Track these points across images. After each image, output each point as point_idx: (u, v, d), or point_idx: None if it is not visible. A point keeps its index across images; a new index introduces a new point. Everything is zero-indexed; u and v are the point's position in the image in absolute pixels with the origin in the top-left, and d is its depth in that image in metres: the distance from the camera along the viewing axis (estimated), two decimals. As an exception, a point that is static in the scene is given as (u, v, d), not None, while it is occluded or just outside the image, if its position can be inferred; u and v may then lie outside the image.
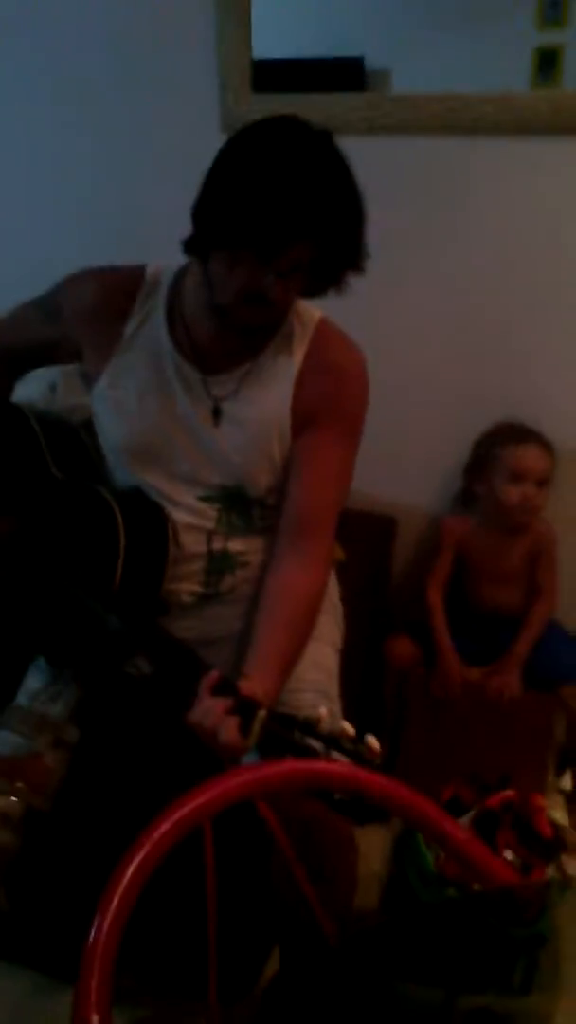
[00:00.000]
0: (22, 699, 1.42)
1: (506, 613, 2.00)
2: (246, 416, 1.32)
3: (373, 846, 1.49)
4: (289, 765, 0.93)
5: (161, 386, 1.33)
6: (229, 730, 1.08)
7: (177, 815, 0.81)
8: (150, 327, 1.34)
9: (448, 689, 1.93)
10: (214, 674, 1.15)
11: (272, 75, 1.94)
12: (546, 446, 1.89)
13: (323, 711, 1.02)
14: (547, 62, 1.80)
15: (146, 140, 2.05)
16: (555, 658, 1.94)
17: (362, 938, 0.85)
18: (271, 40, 1.92)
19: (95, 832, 1.25)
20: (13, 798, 1.29)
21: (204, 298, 1.26)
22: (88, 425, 1.48)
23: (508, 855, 1.35)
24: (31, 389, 1.76)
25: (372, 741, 0.98)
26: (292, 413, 1.32)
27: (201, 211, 1.20)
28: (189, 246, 1.24)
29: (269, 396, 1.32)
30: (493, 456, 1.91)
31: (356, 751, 0.97)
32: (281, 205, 1.12)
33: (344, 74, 1.92)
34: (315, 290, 1.27)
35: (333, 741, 0.99)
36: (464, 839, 0.92)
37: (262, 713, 1.06)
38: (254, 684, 1.16)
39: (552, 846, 1.38)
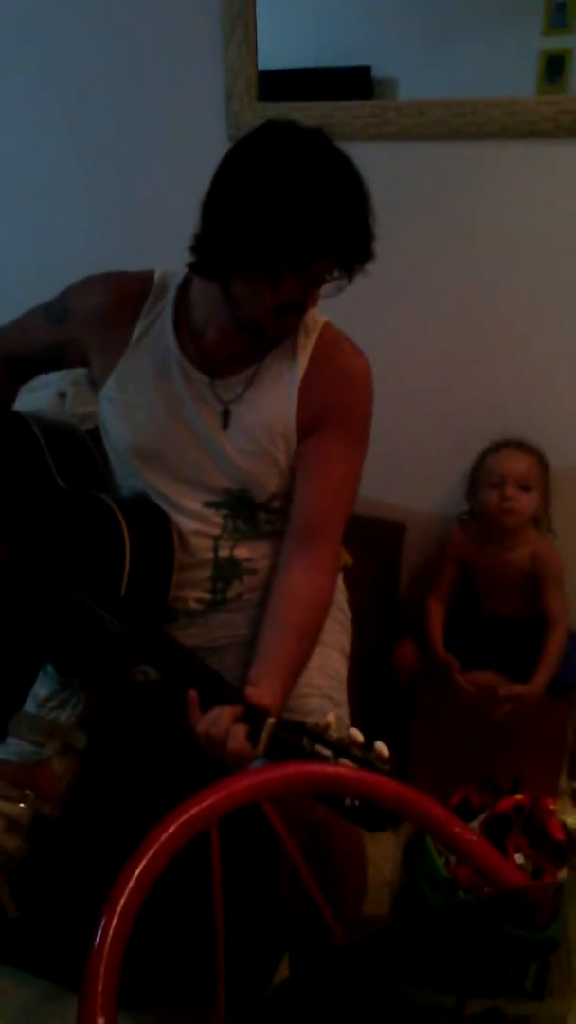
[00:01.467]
0: (31, 706, 1.43)
1: (508, 617, 2.00)
2: (251, 420, 1.32)
3: (383, 852, 1.49)
4: (296, 768, 0.93)
5: (167, 390, 1.33)
6: (237, 738, 1.07)
7: (184, 817, 0.81)
8: (157, 331, 1.34)
9: (448, 694, 1.94)
10: (219, 685, 1.15)
11: (280, 86, 1.95)
12: (529, 450, 1.91)
13: (331, 717, 1.02)
14: (554, 67, 1.81)
15: (152, 149, 2.07)
16: (568, 662, 1.93)
17: (371, 941, 0.84)
18: (279, 51, 1.94)
19: (104, 839, 1.24)
20: (22, 805, 1.29)
21: (225, 314, 1.25)
22: (96, 433, 1.48)
23: (519, 859, 1.34)
24: (40, 397, 1.77)
25: (381, 747, 0.97)
26: (297, 418, 1.32)
27: (217, 236, 1.18)
28: (204, 270, 1.24)
29: (274, 400, 1.32)
30: (480, 469, 1.95)
31: (365, 758, 0.96)
32: (310, 214, 1.12)
33: (352, 83, 1.93)
34: (334, 288, 1.27)
35: (342, 748, 0.98)
36: (473, 841, 0.92)
37: (271, 721, 1.06)
38: (262, 692, 1.16)
39: (564, 850, 1.37)
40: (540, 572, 1.94)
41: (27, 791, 1.31)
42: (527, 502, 1.88)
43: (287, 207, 1.12)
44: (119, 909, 0.73)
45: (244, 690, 1.16)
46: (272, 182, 1.12)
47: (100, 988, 0.69)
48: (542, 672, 1.89)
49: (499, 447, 1.93)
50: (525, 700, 1.87)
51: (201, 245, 1.21)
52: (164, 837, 0.79)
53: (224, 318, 1.27)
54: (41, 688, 1.43)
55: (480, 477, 1.95)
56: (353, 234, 1.17)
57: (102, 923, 0.72)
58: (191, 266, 1.25)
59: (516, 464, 1.88)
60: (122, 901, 0.73)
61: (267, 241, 1.13)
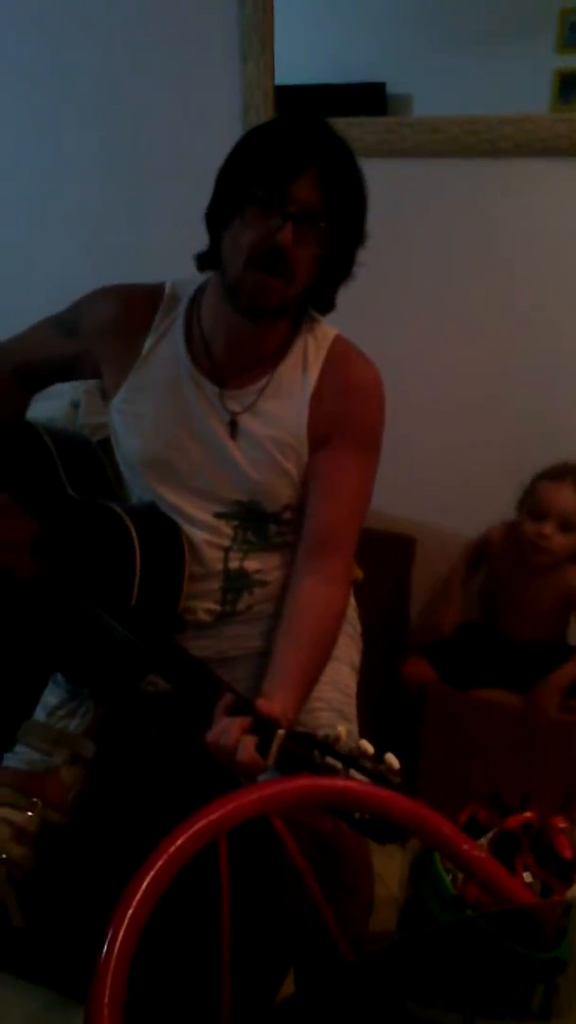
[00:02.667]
0: (40, 714, 1.43)
1: (531, 640, 1.99)
2: (263, 432, 1.32)
3: (390, 868, 1.48)
4: (306, 781, 0.93)
5: (178, 401, 1.34)
6: (247, 749, 1.07)
7: (193, 828, 0.81)
8: (168, 342, 1.35)
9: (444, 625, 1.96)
10: (229, 697, 1.15)
11: (295, 101, 1.96)
12: None
13: (341, 729, 1.01)
14: (568, 85, 1.81)
15: (168, 162, 2.08)
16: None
17: (377, 958, 0.84)
18: (295, 66, 1.94)
19: (111, 849, 1.24)
20: (29, 813, 1.29)
21: (221, 296, 1.27)
22: (108, 444, 1.49)
23: (527, 877, 1.33)
24: (53, 406, 1.77)
25: (392, 759, 0.96)
26: (309, 430, 1.33)
27: (212, 205, 1.26)
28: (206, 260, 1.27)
29: (285, 412, 1.33)
30: (533, 490, 1.90)
31: (376, 770, 0.96)
32: (285, 137, 1.20)
33: (366, 99, 1.94)
34: (327, 275, 1.28)
35: (352, 760, 0.98)
36: (481, 858, 0.91)
37: (280, 732, 1.06)
38: (273, 703, 1.16)
39: (573, 868, 1.36)
40: (572, 603, 1.92)
41: (35, 799, 1.31)
42: (563, 543, 1.84)
43: (264, 136, 1.22)
44: (126, 920, 0.73)
45: (255, 702, 1.16)
46: (259, 130, 1.24)
47: (106, 1000, 0.69)
48: (565, 672, 1.88)
49: (559, 475, 1.85)
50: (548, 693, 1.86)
51: (207, 221, 1.27)
52: (173, 849, 0.79)
53: (239, 333, 1.28)
54: (51, 696, 1.43)
55: (529, 499, 1.89)
56: (335, 174, 1.19)
57: (109, 934, 0.72)
58: (198, 257, 1.30)
59: (564, 501, 1.82)
60: (129, 912, 0.73)
61: (242, 169, 1.20)
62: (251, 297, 1.23)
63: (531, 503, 1.87)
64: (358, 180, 1.23)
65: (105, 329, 1.37)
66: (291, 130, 1.21)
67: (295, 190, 1.16)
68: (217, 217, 1.25)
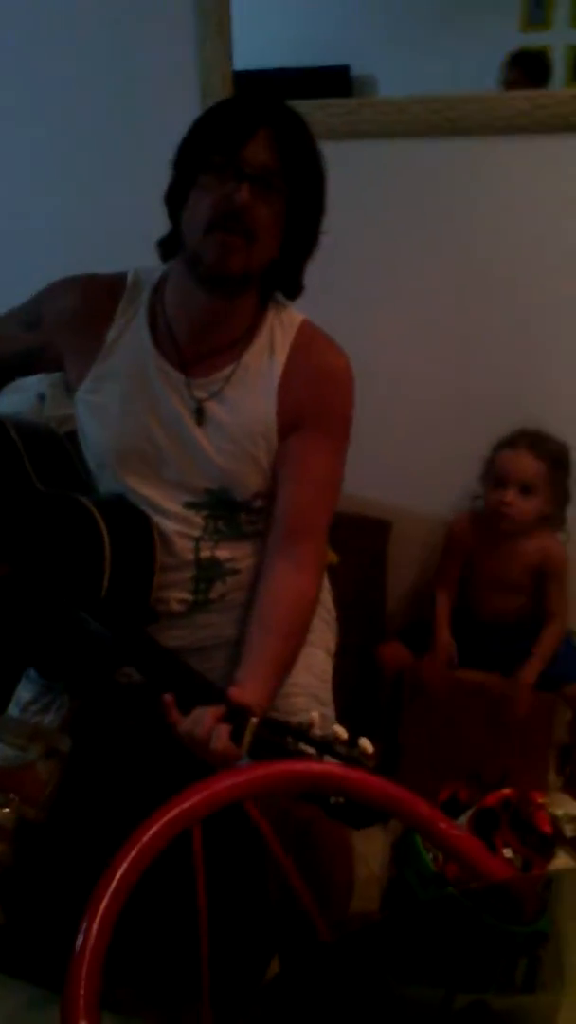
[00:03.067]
0: (14, 710, 1.42)
1: (506, 620, 2.00)
2: (230, 419, 1.32)
3: (372, 849, 1.49)
4: (279, 766, 0.93)
5: (145, 390, 1.33)
6: (220, 738, 1.07)
7: (166, 817, 0.81)
8: (132, 332, 1.33)
9: (430, 684, 1.94)
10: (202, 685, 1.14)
11: (254, 83, 1.94)
12: (542, 452, 1.86)
13: (315, 715, 1.01)
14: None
15: (127, 145, 2.06)
16: (556, 658, 1.93)
17: (359, 937, 0.84)
18: (260, 50, 1.93)
19: (89, 842, 1.23)
20: (6, 809, 1.28)
21: (184, 277, 1.27)
22: (75, 436, 1.47)
23: (507, 853, 1.34)
24: (19, 400, 1.76)
25: (366, 744, 0.96)
26: (278, 417, 1.32)
27: (171, 187, 1.26)
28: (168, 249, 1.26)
29: (253, 399, 1.32)
30: (490, 461, 1.92)
31: (349, 755, 0.96)
32: (236, 106, 1.24)
33: (331, 83, 1.94)
34: (291, 248, 1.27)
35: (326, 745, 0.98)
36: (459, 836, 0.91)
37: (253, 720, 1.06)
38: (245, 691, 1.16)
39: (552, 843, 1.37)
40: (547, 568, 1.93)
41: (11, 795, 1.30)
42: (526, 507, 1.86)
43: (214, 112, 1.24)
44: (101, 911, 0.72)
45: (227, 690, 1.16)
46: (210, 109, 1.25)
47: (82, 991, 0.68)
48: (535, 663, 1.89)
49: (514, 443, 1.87)
50: (522, 691, 1.87)
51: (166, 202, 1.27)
52: (146, 838, 0.78)
53: (203, 319, 1.27)
54: (24, 692, 1.43)
55: (488, 470, 1.92)
56: (279, 117, 1.21)
57: (84, 925, 0.71)
58: (160, 245, 1.30)
59: (522, 467, 1.84)
60: (104, 903, 0.73)
61: (196, 142, 1.21)
62: (214, 263, 1.20)
63: (491, 473, 1.89)
64: (312, 144, 1.24)
65: (67, 320, 1.35)
66: (242, 100, 1.24)
67: (248, 152, 1.17)
68: (176, 197, 1.24)
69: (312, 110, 1.87)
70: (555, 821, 1.47)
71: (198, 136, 1.22)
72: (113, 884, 0.74)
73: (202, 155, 1.19)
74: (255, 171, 1.17)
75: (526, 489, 1.85)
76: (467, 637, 1.99)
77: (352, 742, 0.97)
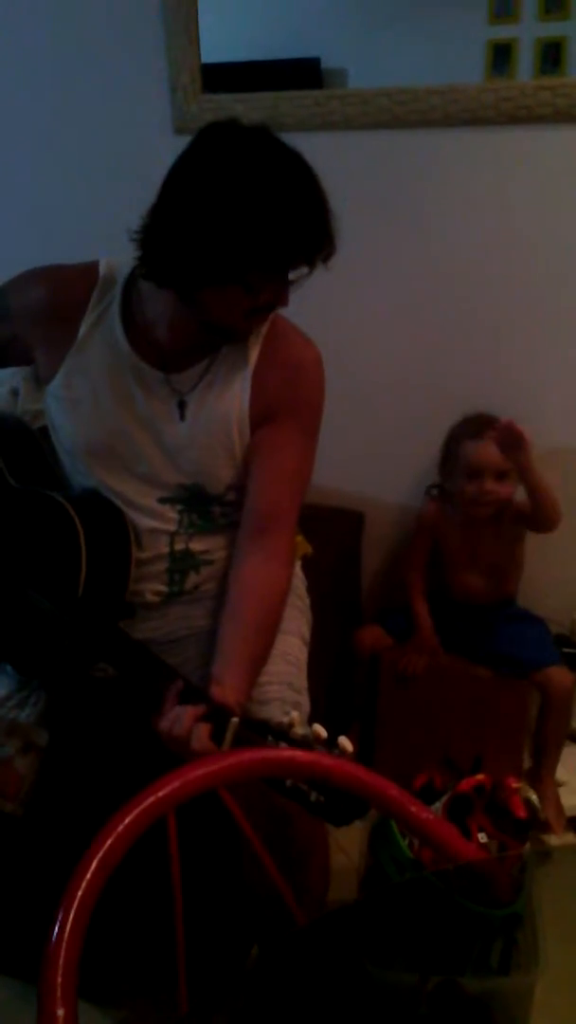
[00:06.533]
0: (-9, 706, 1.41)
1: (476, 602, 2.02)
2: (207, 413, 1.32)
3: (350, 837, 1.49)
4: (251, 754, 0.93)
5: (119, 386, 1.32)
6: (200, 738, 1.07)
7: (141, 806, 0.81)
8: (105, 326, 1.33)
9: (420, 663, 1.96)
10: (179, 684, 1.14)
11: (230, 78, 1.95)
12: None
13: (295, 715, 1.01)
14: (501, 56, 1.83)
15: (97, 142, 2.05)
16: (527, 643, 1.95)
17: (334, 920, 0.85)
18: (230, 43, 1.94)
19: (68, 836, 1.24)
20: (-17, 804, 1.28)
21: (185, 315, 1.25)
22: (48, 430, 1.47)
23: (482, 838, 1.35)
24: (-9, 395, 1.74)
25: (345, 743, 0.97)
26: (251, 408, 1.32)
27: (181, 253, 1.17)
28: (165, 282, 1.22)
29: (228, 392, 1.32)
30: (454, 454, 1.93)
31: (329, 753, 0.97)
32: (280, 224, 1.13)
33: (301, 75, 1.94)
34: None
35: (306, 745, 0.98)
36: (431, 820, 0.92)
37: (235, 721, 1.05)
38: (225, 690, 1.16)
39: (527, 826, 1.39)
40: (523, 521, 1.94)
41: (-11, 791, 1.30)
42: (504, 492, 1.88)
43: (255, 219, 1.12)
44: (76, 900, 0.73)
45: (208, 689, 1.16)
46: (234, 194, 1.12)
47: (59, 980, 0.68)
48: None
49: (477, 433, 1.88)
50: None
51: (158, 259, 1.20)
52: (120, 827, 0.79)
53: (182, 318, 1.26)
54: (0, 688, 1.42)
55: (455, 461, 1.92)
56: (323, 236, 1.18)
57: (59, 913, 0.72)
58: (147, 277, 1.24)
59: (494, 455, 1.84)
60: (80, 892, 0.73)
61: (240, 255, 1.14)
62: (246, 334, 1.30)
63: (461, 465, 1.90)
64: (331, 220, 1.20)
65: (36, 313, 1.34)
66: (284, 210, 1.13)
67: (291, 272, 1.20)
68: (200, 267, 1.18)
69: (278, 102, 1.89)
70: (529, 804, 1.48)
71: (245, 239, 1.13)
72: (89, 873, 0.74)
73: (240, 272, 1.16)
74: (292, 280, 1.21)
75: (501, 475, 1.87)
76: (440, 617, 2.02)
77: (331, 741, 0.97)
